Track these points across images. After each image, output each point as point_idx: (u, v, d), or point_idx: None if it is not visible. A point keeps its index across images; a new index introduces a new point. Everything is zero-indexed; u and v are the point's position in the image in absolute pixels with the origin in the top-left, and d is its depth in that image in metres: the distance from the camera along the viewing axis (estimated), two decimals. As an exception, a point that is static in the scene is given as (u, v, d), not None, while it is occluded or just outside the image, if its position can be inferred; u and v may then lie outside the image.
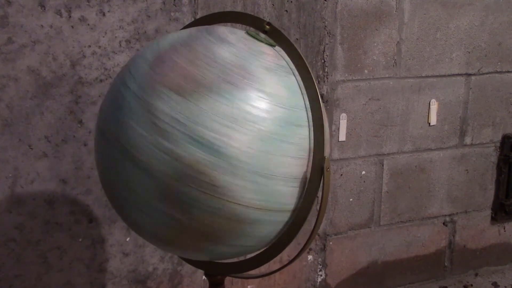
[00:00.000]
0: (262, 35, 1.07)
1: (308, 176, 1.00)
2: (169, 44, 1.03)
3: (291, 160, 0.97)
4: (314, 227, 1.07)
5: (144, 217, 1.00)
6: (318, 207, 1.06)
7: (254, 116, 0.94)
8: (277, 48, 1.07)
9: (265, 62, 1.00)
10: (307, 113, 1.00)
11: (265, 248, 1.08)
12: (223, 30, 1.05)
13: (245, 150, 0.93)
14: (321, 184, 1.01)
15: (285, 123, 0.96)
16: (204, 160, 0.92)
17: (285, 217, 1.01)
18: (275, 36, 1.07)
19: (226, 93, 0.93)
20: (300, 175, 0.99)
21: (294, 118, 0.98)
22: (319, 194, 1.02)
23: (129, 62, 1.07)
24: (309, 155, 1.00)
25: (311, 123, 1.00)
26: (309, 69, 1.02)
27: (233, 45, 1.00)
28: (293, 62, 1.04)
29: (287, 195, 0.99)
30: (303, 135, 0.99)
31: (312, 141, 1.00)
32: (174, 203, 0.95)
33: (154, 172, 0.94)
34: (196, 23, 1.20)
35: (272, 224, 1.01)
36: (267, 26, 1.07)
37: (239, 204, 0.95)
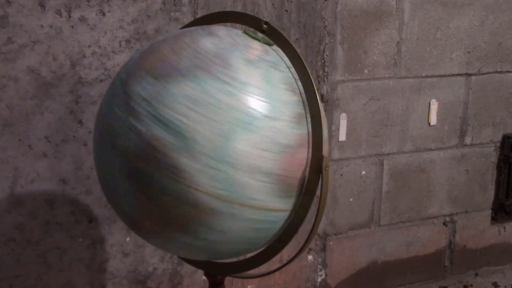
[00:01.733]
0: (260, 35, 1.07)
1: (307, 175, 1.00)
2: (163, 38, 1.07)
3: (260, 152, 0.95)
4: (313, 226, 1.07)
5: (118, 198, 1.02)
6: (317, 207, 1.06)
7: (217, 101, 0.94)
8: (275, 47, 1.07)
9: (248, 55, 1.00)
10: (305, 112, 1.01)
11: (263, 248, 1.09)
12: (219, 27, 1.06)
13: (203, 133, 0.93)
14: (319, 183, 1.01)
15: (255, 113, 0.95)
16: (164, 139, 0.93)
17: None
18: (273, 35, 1.07)
19: (196, 78, 0.95)
20: (274, 171, 0.96)
21: (269, 111, 0.96)
22: (318, 193, 1.02)
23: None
24: (307, 154, 1.00)
25: (309, 121, 1.00)
26: (307, 68, 1.02)
27: (220, 38, 1.02)
28: (291, 61, 1.04)
29: (254, 188, 0.95)
30: (278, 129, 0.97)
31: (310, 140, 1.00)
32: (138, 182, 0.96)
33: (123, 151, 0.97)
34: (195, 23, 1.20)
35: (237, 220, 0.97)
36: (265, 26, 1.07)
37: (199, 190, 0.94)
